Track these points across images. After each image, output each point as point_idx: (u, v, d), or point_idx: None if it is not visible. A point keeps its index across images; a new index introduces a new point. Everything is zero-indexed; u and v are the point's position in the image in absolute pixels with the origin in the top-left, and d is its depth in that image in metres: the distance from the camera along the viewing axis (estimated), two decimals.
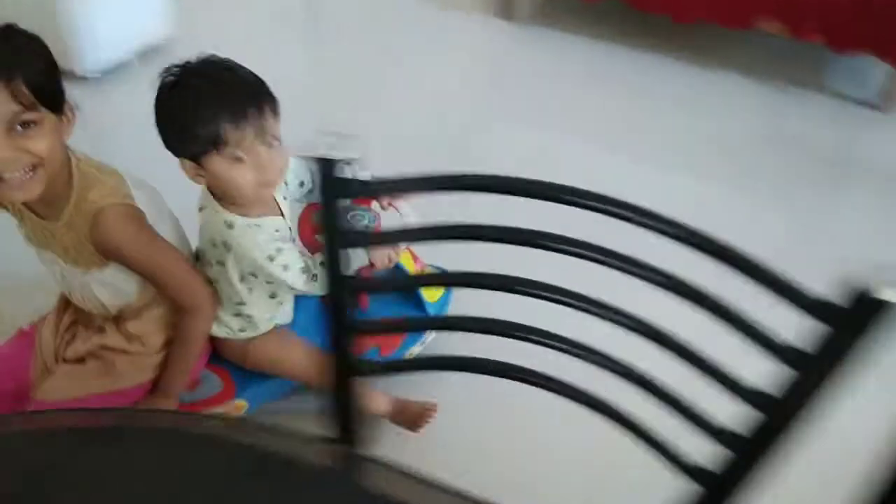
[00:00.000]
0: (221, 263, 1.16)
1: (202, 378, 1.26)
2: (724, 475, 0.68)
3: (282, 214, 1.19)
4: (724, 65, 2.60)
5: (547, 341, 0.71)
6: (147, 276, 1.11)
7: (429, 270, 1.42)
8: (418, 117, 2.30)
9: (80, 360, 1.19)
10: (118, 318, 1.17)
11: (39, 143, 0.94)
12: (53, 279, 1.17)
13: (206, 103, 1.02)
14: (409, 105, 2.35)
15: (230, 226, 1.12)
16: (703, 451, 0.68)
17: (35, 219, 1.07)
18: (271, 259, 1.11)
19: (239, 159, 1.04)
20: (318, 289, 1.15)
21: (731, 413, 0.65)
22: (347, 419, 0.78)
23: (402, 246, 1.27)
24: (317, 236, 1.26)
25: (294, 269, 1.13)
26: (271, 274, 1.13)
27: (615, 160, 2.16)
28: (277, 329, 1.29)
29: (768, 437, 0.64)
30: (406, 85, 2.45)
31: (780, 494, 0.76)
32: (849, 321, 0.57)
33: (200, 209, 1.16)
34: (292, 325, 1.31)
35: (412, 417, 1.35)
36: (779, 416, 0.63)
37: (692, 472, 0.70)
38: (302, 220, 1.28)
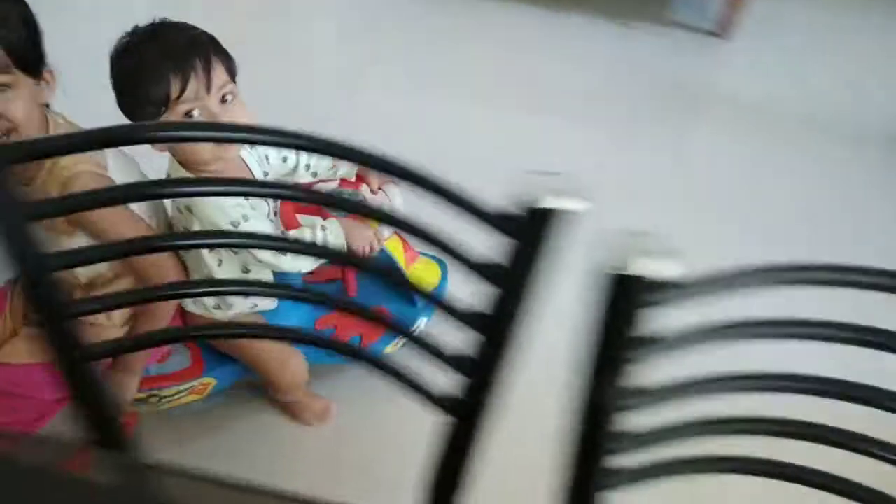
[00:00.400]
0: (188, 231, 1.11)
1: (172, 352, 1.23)
2: (466, 401, 0.68)
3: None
4: (569, 7, 2.62)
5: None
6: None
7: (422, 259, 1.37)
8: (277, 75, 2.23)
9: None
10: (87, 287, 1.14)
11: (13, 106, 0.92)
12: None
13: (152, 64, 0.98)
14: (270, 63, 2.27)
15: None
16: (449, 383, 0.68)
17: None
18: (235, 226, 1.06)
19: (189, 117, 1.00)
20: (287, 264, 1.12)
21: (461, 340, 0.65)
22: (101, 415, 0.73)
23: (388, 232, 1.23)
24: (297, 216, 1.22)
25: None
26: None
27: (473, 109, 2.16)
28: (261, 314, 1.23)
29: (492, 356, 0.65)
30: (264, 43, 2.36)
31: (510, 418, 0.77)
32: (527, 232, 0.57)
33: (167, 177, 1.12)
34: (275, 314, 1.25)
35: (315, 414, 1.35)
36: (494, 334, 0.63)
37: (443, 403, 0.70)
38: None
